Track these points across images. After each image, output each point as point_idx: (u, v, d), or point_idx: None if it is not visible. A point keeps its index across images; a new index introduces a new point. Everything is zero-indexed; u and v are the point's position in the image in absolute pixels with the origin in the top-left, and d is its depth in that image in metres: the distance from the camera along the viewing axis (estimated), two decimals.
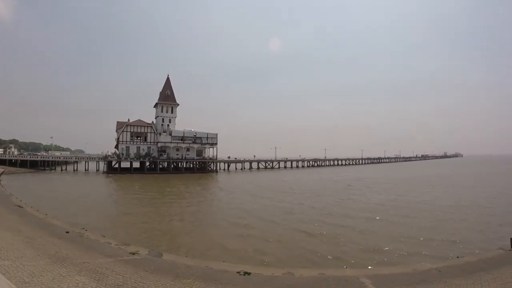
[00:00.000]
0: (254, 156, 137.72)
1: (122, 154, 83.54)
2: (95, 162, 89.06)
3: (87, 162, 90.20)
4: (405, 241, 18.22)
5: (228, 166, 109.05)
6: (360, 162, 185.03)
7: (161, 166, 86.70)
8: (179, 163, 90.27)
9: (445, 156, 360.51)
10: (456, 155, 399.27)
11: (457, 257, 14.66)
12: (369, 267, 13.46)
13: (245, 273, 10.96)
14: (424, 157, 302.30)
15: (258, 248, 16.79)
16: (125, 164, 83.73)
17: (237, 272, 11.02)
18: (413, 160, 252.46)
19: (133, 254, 12.87)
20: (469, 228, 21.36)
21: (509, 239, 14.81)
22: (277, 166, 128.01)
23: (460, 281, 9.64)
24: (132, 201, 33.76)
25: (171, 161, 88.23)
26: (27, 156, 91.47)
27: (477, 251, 15.71)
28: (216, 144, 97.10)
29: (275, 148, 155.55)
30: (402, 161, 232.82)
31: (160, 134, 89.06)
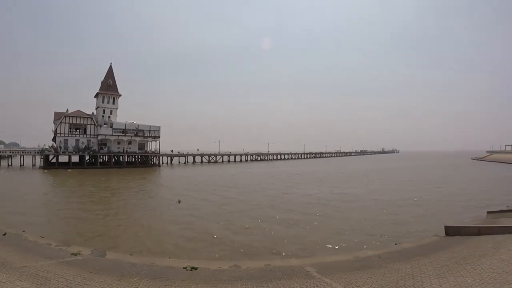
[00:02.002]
0: (198, 150, 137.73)
1: (60, 147, 79.34)
2: (31, 156, 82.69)
3: (22, 156, 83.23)
4: (346, 231, 19.10)
5: (171, 160, 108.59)
6: (302, 157, 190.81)
7: (101, 160, 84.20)
8: (121, 157, 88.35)
9: (382, 152, 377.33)
10: (393, 151, 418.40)
11: (395, 244, 15.50)
12: (313, 257, 13.89)
13: (192, 268, 11.07)
14: (363, 152, 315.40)
15: (201, 243, 16.95)
16: (63, 158, 79.44)
17: (184, 268, 11.11)
18: (352, 155, 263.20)
19: (75, 254, 12.60)
20: (404, 218, 22.98)
21: (443, 226, 16.21)
22: (220, 160, 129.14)
23: (400, 266, 10.36)
24: (71, 198, 32.93)
25: (112, 154, 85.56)
26: None
27: (414, 239, 16.59)
28: (159, 137, 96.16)
29: (219, 142, 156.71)
30: (342, 156, 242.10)
31: (100, 126, 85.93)
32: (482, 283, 7.29)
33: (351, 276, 9.46)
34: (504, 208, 23.14)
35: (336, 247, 16.06)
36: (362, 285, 8.35)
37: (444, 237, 15.32)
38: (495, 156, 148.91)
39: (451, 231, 15.49)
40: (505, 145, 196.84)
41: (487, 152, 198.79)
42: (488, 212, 21.55)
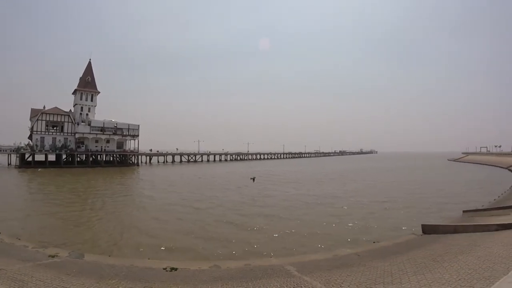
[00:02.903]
0: (177, 149, 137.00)
1: (36, 145, 77.13)
2: (6, 155, 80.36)
3: None
4: (325, 231, 19.18)
5: (150, 159, 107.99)
6: (282, 157, 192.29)
7: (78, 159, 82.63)
8: (98, 156, 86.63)
9: (360, 152, 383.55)
10: (371, 152, 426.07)
11: (374, 242, 15.69)
12: (293, 256, 13.81)
13: (172, 268, 10.96)
14: (342, 153, 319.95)
15: (179, 245, 16.63)
16: (40, 157, 77.29)
17: (164, 269, 11.00)
18: (331, 155, 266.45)
19: (53, 257, 12.18)
20: (382, 217, 23.30)
21: (420, 225, 16.56)
22: (200, 159, 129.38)
23: (378, 263, 10.39)
24: (46, 199, 32.01)
25: (90, 153, 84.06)
26: None
27: (391, 237, 16.62)
28: (137, 136, 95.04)
29: (198, 142, 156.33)
30: (322, 156, 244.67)
31: (78, 124, 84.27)
32: (459, 279, 7.44)
33: (330, 274, 9.52)
34: (479, 207, 23.89)
35: (315, 246, 16.14)
36: (342, 283, 8.42)
37: (421, 235, 15.60)
38: (470, 157, 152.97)
39: (428, 230, 15.83)
40: (480, 147, 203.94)
41: (462, 153, 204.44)
42: (463, 211, 22.14)
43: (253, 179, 25.36)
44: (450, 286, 7.09)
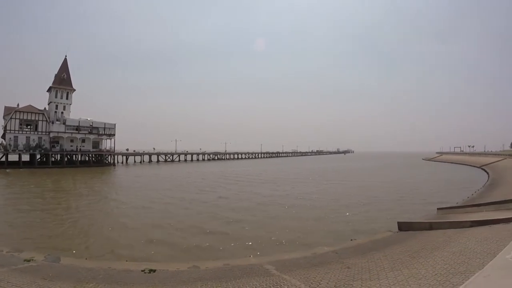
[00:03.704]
0: (154, 148, 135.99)
1: (10, 145, 74.49)
2: None
3: None
4: (303, 231, 19.20)
5: (127, 159, 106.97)
6: (260, 156, 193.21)
7: (53, 159, 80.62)
8: (74, 156, 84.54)
9: (337, 152, 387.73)
10: (348, 151, 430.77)
11: (351, 239, 15.81)
12: (272, 255, 13.68)
13: (150, 270, 10.84)
14: (319, 152, 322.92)
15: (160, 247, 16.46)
16: (14, 157, 74.47)
17: (142, 271, 10.87)
18: (308, 155, 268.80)
19: (28, 261, 11.84)
20: (358, 215, 23.59)
21: (396, 222, 16.78)
22: (177, 159, 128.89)
23: (355, 260, 10.47)
24: (21, 201, 30.88)
25: (65, 153, 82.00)
26: None
27: (368, 235, 16.78)
28: (114, 135, 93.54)
29: (176, 141, 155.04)
30: (299, 155, 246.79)
31: (52, 123, 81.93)
32: (435, 274, 7.58)
33: (309, 272, 9.60)
34: (454, 204, 24.61)
35: (294, 245, 16.35)
36: (321, 280, 8.47)
37: (397, 232, 15.82)
38: (444, 157, 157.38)
39: (403, 227, 16.10)
40: (454, 147, 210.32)
41: (437, 153, 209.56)
42: (438, 209, 22.63)
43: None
44: (427, 281, 7.25)
